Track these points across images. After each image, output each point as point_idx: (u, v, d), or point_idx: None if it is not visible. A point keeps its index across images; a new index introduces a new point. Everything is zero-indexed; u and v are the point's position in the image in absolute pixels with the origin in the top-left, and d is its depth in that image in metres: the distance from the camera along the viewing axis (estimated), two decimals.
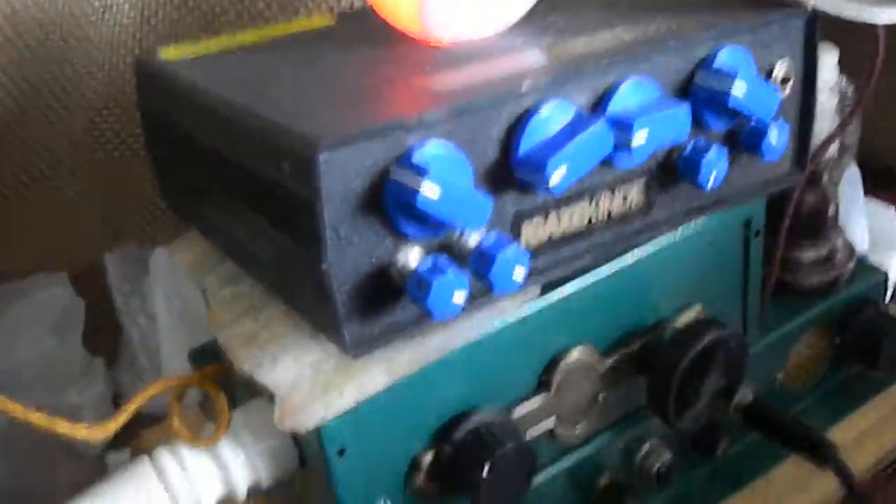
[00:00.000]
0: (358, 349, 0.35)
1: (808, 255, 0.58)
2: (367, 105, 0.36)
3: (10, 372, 0.66)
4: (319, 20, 0.51)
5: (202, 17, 0.67)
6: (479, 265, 0.34)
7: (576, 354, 0.46)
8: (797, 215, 0.54)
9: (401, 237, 0.35)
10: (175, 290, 0.68)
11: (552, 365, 0.45)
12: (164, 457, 0.41)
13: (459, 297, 0.34)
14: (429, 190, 0.32)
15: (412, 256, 0.35)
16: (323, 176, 0.32)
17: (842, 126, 0.52)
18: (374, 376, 0.38)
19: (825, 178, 0.56)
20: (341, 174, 0.33)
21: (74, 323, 0.67)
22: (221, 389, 0.42)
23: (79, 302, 0.68)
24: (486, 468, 0.41)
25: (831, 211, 0.58)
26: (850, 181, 0.74)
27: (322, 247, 0.33)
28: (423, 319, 0.37)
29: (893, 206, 0.77)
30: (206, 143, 0.42)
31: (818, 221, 0.57)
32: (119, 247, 0.72)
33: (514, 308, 0.41)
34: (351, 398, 0.37)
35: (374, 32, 0.46)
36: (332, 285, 0.34)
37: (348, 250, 0.34)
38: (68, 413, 0.65)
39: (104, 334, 0.70)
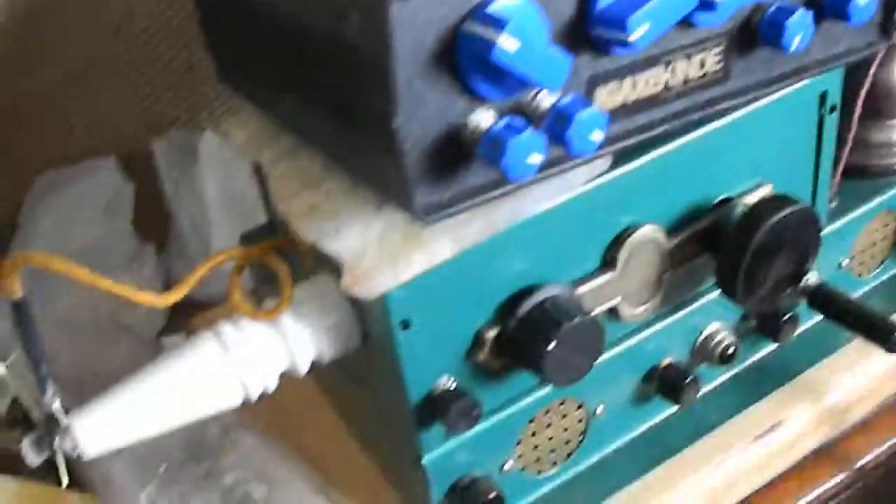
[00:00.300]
0: (428, 215, 0.34)
1: (880, 136, 0.55)
2: None
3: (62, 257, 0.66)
4: None
5: None
6: (555, 126, 0.33)
7: (642, 232, 0.44)
8: (871, 93, 0.52)
9: (473, 97, 0.33)
10: (225, 175, 0.68)
11: (618, 242, 0.44)
12: (227, 330, 0.41)
13: (535, 157, 0.32)
14: (507, 42, 0.30)
15: (485, 117, 0.33)
16: (395, 29, 0.30)
17: None
18: (441, 245, 0.37)
19: None
20: (414, 27, 0.31)
21: (124, 208, 0.67)
22: (285, 265, 0.42)
23: (127, 187, 0.67)
24: (553, 342, 0.40)
25: None
26: None
27: (392, 105, 0.32)
28: (495, 185, 0.35)
29: None
30: (265, 6, 0.40)
31: (891, 101, 0.55)
32: (166, 134, 0.71)
33: (583, 179, 0.40)
34: (419, 266, 0.36)
35: None
36: (403, 146, 0.32)
37: (419, 110, 0.32)
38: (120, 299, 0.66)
39: (154, 221, 0.70)
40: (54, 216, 0.66)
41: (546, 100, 0.34)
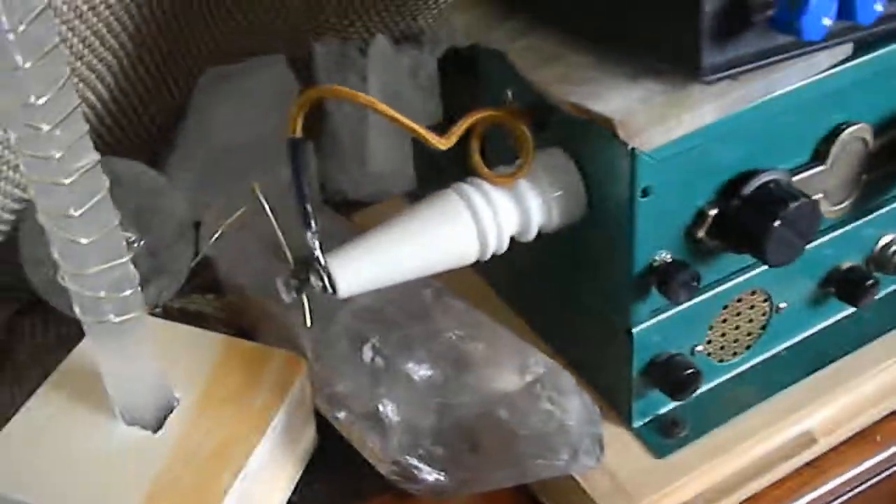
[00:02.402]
0: (712, 74, 0.36)
1: None
2: None
3: (230, 150, 0.68)
4: None
5: None
6: None
7: (853, 129, 0.47)
8: None
9: None
10: (388, 81, 0.70)
11: (831, 137, 0.46)
12: (470, 189, 0.44)
13: (828, 20, 0.35)
14: None
15: None
16: None
17: None
18: (706, 110, 0.39)
19: None
20: None
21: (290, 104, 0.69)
22: (525, 131, 0.44)
23: (295, 84, 0.70)
24: (779, 219, 0.42)
25: None
26: None
27: None
28: (768, 53, 0.38)
29: None
30: None
31: None
32: (327, 38, 0.74)
33: (827, 64, 0.42)
34: (688, 126, 0.39)
35: None
36: (704, 5, 0.35)
37: None
38: (283, 190, 0.68)
39: (314, 121, 0.72)
40: (226, 107, 0.69)
41: None
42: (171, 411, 0.47)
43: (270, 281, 0.44)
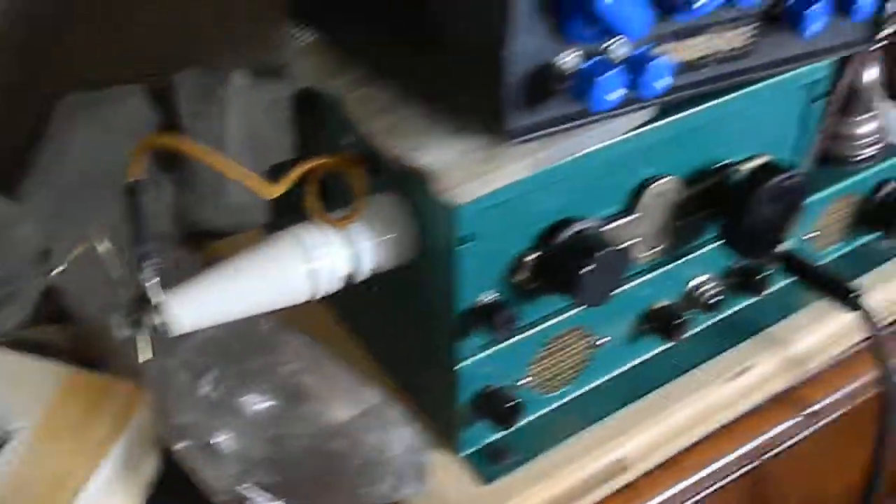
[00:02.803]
0: (515, 137, 0.40)
1: (849, 130, 0.64)
2: None
3: (86, 179, 0.69)
4: None
5: None
6: (632, 70, 0.39)
7: (662, 182, 0.51)
8: (850, 90, 0.60)
9: (566, 41, 0.39)
10: (247, 115, 0.72)
11: (640, 189, 0.51)
12: (305, 232, 0.46)
13: (615, 94, 0.39)
14: None
15: (572, 57, 0.40)
16: None
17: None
18: (519, 166, 0.43)
19: (873, 60, 0.62)
20: None
21: (145, 134, 0.70)
22: (356, 178, 0.47)
23: (152, 115, 0.71)
24: (589, 265, 0.46)
25: (878, 90, 0.64)
26: None
27: (505, 37, 0.38)
28: (570, 118, 0.42)
29: None
30: None
31: (862, 100, 0.63)
32: (189, 69, 0.75)
33: (624, 129, 0.46)
34: (500, 182, 0.42)
35: None
36: (505, 74, 0.38)
37: (523, 43, 0.38)
38: None
39: (173, 154, 0.73)
40: (83, 136, 0.69)
41: (623, 48, 0.40)
42: (7, 442, 0.48)
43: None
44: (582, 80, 0.38)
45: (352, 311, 0.59)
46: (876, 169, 0.65)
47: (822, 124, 0.59)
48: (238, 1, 0.74)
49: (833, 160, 0.64)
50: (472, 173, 0.42)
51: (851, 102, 0.63)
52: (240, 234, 0.70)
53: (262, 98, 0.73)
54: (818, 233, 0.64)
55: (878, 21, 0.52)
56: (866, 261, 0.67)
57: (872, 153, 0.64)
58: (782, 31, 0.47)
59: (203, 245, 0.70)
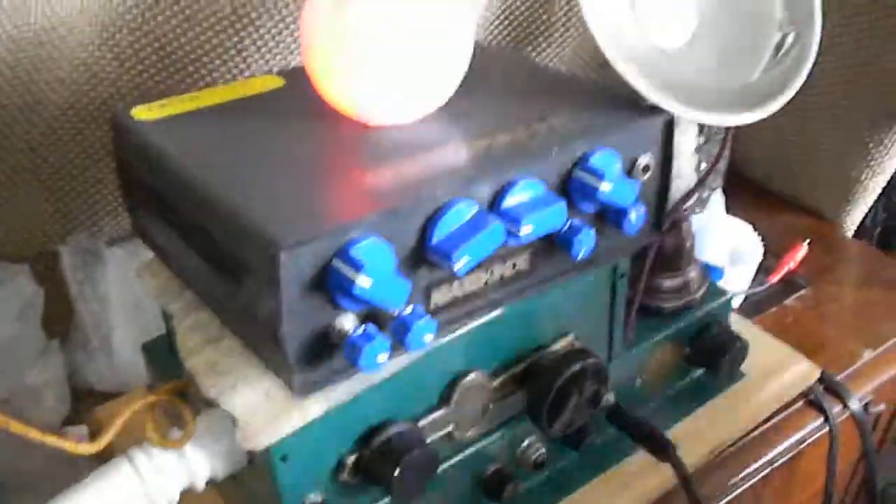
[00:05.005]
0: (303, 392, 0.46)
1: (668, 283, 0.70)
2: (315, 201, 0.47)
3: None
4: (271, 81, 0.60)
5: (156, 41, 0.75)
6: (398, 331, 0.45)
7: (471, 377, 0.57)
8: (659, 254, 0.67)
9: (339, 308, 0.45)
10: (128, 284, 0.77)
11: (452, 385, 0.57)
12: (140, 457, 0.52)
13: (383, 357, 0.45)
14: (363, 281, 0.43)
15: (348, 322, 0.46)
16: (283, 269, 0.42)
17: (694, 190, 0.65)
18: (315, 405, 0.48)
19: (684, 224, 0.69)
20: (296, 266, 0.43)
21: (35, 311, 0.76)
22: (187, 404, 0.53)
23: (39, 291, 0.76)
24: (398, 469, 0.52)
25: (688, 246, 0.71)
26: (714, 204, 0.88)
27: (279, 320, 0.43)
28: (355, 370, 0.47)
29: (751, 224, 0.91)
30: (177, 208, 0.51)
31: (677, 258, 0.70)
32: (74, 237, 0.81)
33: (423, 350, 0.52)
34: (298, 423, 0.48)
35: (316, 101, 0.55)
36: (286, 345, 0.44)
37: (299, 319, 0.44)
38: (28, 394, 0.75)
39: (60, 316, 0.79)
40: None
41: (389, 313, 0.46)
42: None
43: None
44: (350, 348, 0.44)
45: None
46: (697, 314, 0.71)
47: (635, 286, 0.65)
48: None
49: (658, 311, 0.70)
50: (272, 417, 0.48)
51: (670, 259, 0.70)
52: (123, 397, 0.76)
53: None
54: (648, 378, 0.71)
55: (658, 223, 0.58)
56: (692, 399, 0.73)
57: (690, 300, 0.71)
58: (559, 251, 0.54)
59: (87, 411, 0.75)
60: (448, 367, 0.56)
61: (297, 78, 0.59)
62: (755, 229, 0.90)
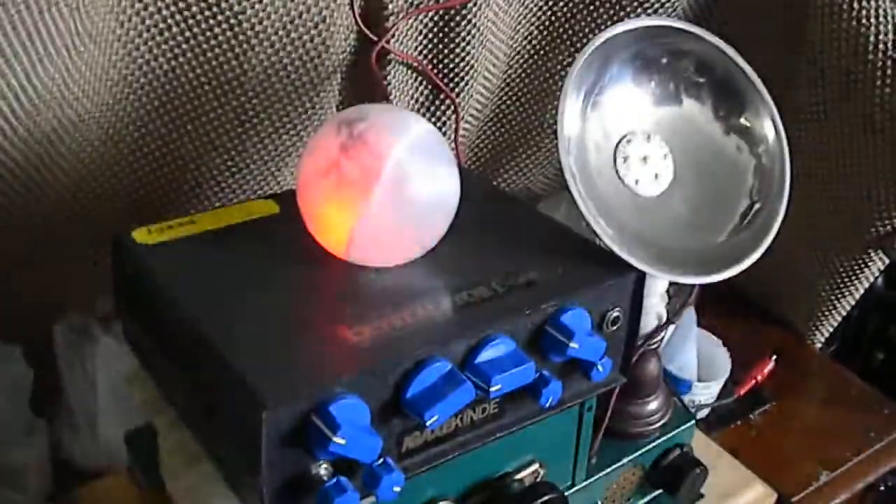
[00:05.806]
0: None
1: (634, 409, 0.73)
2: (301, 355, 0.50)
3: None
4: (266, 206, 0.64)
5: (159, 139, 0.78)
6: (369, 481, 0.48)
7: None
8: (627, 383, 0.70)
9: (315, 457, 0.48)
10: (116, 371, 0.80)
11: None
12: None
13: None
14: (339, 440, 0.46)
15: (323, 470, 0.49)
16: (265, 425, 0.45)
17: (662, 327, 0.68)
18: None
19: (653, 356, 0.72)
20: (278, 422, 0.46)
21: (24, 391, 0.78)
22: None
23: (29, 373, 0.79)
24: None
25: (656, 374, 0.74)
26: (686, 318, 0.91)
27: (258, 469, 0.46)
28: None
29: (721, 339, 0.94)
30: (168, 337, 0.54)
31: (644, 386, 0.73)
32: (66, 318, 0.83)
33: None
34: None
35: (308, 234, 0.57)
36: (262, 490, 0.47)
37: (276, 468, 0.47)
38: (12, 473, 0.77)
39: (48, 394, 0.81)
40: None
41: (361, 466, 0.49)
42: None
43: None
44: (323, 496, 0.47)
45: None
46: (661, 440, 0.74)
47: (602, 412, 0.68)
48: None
49: (623, 435, 0.73)
50: None
51: (636, 387, 0.73)
52: (107, 479, 0.78)
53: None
54: (610, 499, 0.73)
55: (625, 366, 0.61)
56: None
57: (655, 426, 0.74)
58: (528, 398, 0.57)
59: (70, 490, 0.78)
60: (417, 497, 0.59)
61: (291, 204, 0.62)
62: (726, 337, 0.93)
